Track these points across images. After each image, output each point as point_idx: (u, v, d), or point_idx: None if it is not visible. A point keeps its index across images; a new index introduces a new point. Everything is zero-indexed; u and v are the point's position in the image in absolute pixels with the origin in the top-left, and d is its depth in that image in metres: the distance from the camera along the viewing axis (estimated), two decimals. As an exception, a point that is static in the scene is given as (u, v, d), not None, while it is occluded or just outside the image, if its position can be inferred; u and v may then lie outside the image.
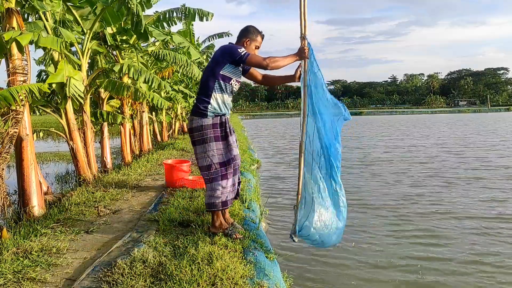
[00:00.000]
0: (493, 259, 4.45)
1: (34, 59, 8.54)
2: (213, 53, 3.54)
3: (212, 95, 3.13)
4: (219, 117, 3.18)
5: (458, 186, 8.18)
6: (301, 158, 3.08)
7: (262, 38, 3.34)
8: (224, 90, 3.17)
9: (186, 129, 21.30)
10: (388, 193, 7.71)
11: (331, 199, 3.04)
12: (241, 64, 3.19)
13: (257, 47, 3.32)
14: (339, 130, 3.02)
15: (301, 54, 3.04)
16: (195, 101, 3.21)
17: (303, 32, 3.04)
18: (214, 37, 17.13)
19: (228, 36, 15.97)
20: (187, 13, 8.74)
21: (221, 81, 3.13)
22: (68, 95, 5.94)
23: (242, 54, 3.06)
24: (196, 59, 9.87)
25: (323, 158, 3.02)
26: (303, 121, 3.07)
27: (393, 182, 8.83)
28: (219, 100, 3.15)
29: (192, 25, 12.37)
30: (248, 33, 3.29)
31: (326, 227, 3.01)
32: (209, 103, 3.12)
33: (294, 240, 3.15)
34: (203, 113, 3.13)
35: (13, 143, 4.38)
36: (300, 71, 3.15)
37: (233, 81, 3.21)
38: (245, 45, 3.24)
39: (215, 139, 3.14)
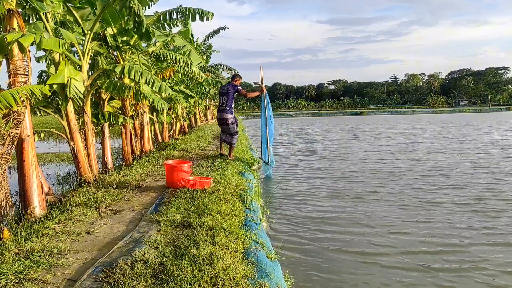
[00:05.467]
0: None
1: (35, 56, 8.55)
2: (224, 83, 7.30)
3: (233, 105, 8.01)
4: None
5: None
6: (264, 129, 8.47)
7: (241, 78, 8.26)
8: (233, 102, 8.03)
9: (187, 130, 21.32)
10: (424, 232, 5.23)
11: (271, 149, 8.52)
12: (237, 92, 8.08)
13: (240, 80, 8.18)
14: (272, 121, 8.54)
15: (261, 91, 8.20)
16: (226, 107, 7.85)
17: (262, 82, 8.23)
18: (213, 35, 17.67)
19: (224, 29, 16.85)
20: (187, 13, 8.75)
21: (233, 100, 8.00)
22: (69, 96, 5.94)
23: (240, 89, 7.92)
24: (198, 64, 9.76)
25: (269, 131, 8.37)
26: (265, 116, 8.44)
27: (419, 204, 6.51)
28: (232, 106, 8.03)
29: (191, 26, 12.40)
30: (239, 76, 8.21)
31: (272, 162, 8.65)
32: (232, 108, 7.94)
33: (267, 164, 8.63)
34: (232, 111, 7.94)
35: (15, 144, 4.39)
36: (263, 90, 8.23)
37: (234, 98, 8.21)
38: (239, 81, 8.10)
39: (236, 121, 8.17)
